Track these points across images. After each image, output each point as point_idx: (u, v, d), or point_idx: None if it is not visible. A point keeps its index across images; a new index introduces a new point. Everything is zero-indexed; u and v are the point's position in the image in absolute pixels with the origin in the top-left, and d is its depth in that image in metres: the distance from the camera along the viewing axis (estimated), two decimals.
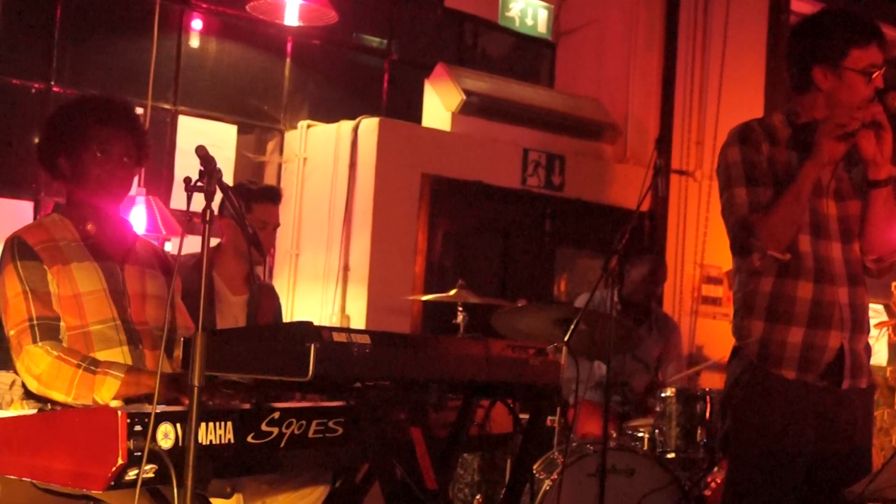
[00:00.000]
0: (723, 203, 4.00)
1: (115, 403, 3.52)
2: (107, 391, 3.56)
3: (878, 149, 3.85)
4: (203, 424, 2.88)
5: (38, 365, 3.60)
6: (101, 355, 3.71)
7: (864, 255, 4.04)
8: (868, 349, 4.06)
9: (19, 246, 3.73)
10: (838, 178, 4.02)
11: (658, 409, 6.27)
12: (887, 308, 10.10)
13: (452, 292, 6.46)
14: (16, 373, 3.70)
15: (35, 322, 3.65)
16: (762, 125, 4.02)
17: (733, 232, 3.94)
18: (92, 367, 3.59)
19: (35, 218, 7.22)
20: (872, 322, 9.48)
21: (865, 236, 4.01)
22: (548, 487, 5.65)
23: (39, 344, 3.63)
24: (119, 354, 3.77)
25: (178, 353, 3.83)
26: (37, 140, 4.03)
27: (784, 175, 3.90)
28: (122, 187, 3.97)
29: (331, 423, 3.31)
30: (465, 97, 8.39)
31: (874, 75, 3.88)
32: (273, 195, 5.64)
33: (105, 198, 3.92)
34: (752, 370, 3.97)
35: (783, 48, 4.14)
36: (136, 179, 4.29)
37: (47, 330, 3.66)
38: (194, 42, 8.27)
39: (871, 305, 4.09)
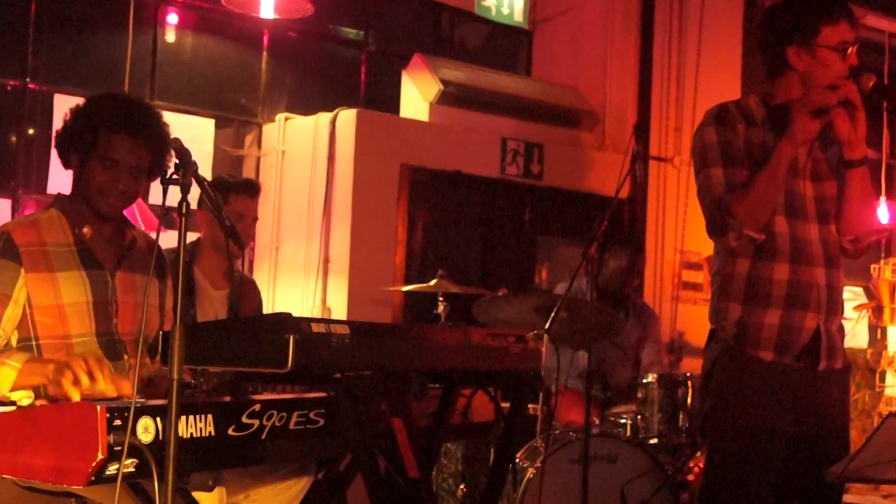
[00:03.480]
0: (699, 183, 4.01)
1: (18, 395, 3.48)
2: (4, 380, 3.52)
3: (853, 128, 3.88)
4: (183, 417, 2.87)
5: None
6: None
7: (841, 236, 4.06)
8: (841, 330, 4.08)
9: (5, 242, 3.69)
10: (814, 159, 4.04)
11: (640, 395, 6.28)
12: (866, 290, 10.15)
13: (433, 282, 6.46)
14: None
15: None
16: (738, 106, 4.04)
17: (710, 211, 3.95)
18: None
19: (13, 217, 7.20)
20: (852, 304, 9.54)
21: (842, 217, 4.03)
22: (531, 475, 5.67)
23: None
24: None
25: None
26: (60, 125, 3.92)
27: (760, 155, 3.92)
28: (124, 200, 3.86)
29: (312, 415, 3.30)
30: (442, 87, 8.39)
31: (848, 51, 3.90)
32: (250, 188, 5.63)
33: (104, 206, 3.82)
34: (730, 352, 3.99)
35: (756, 33, 4.16)
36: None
37: None
38: (170, 36, 8.25)
39: (850, 287, 4.11)
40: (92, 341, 3.75)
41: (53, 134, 3.91)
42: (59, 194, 3.94)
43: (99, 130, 3.76)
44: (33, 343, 3.69)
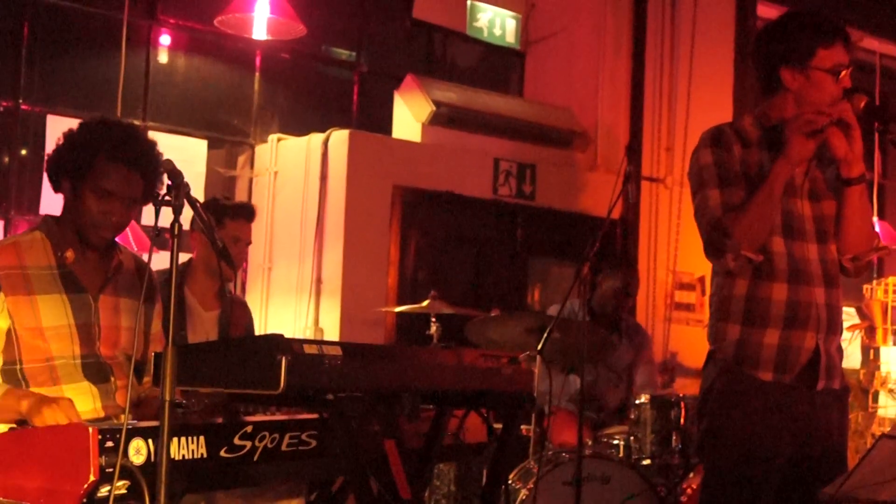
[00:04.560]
0: (695, 205, 4.01)
1: None
2: None
3: (849, 146, 3.88)
4: (175, 439, 2.87)
5: None
6: (66, 388, 3.66)
7: (840, 254, 4.06)
8: (840, 350, 4.07)
9: None
10: (812, 178, 4.05)
11: (632, 415, 6.27)
12: (859, 311, 10.16)
13: (425, 303, 6.46)
14: None
15: None
16: (733, 128, 4.05)
17: (707, 233, 3.95)
18: None
19: (6, 236, 7.19)
20: (845, 325, 9.54)
21: (841, 235, 4.03)
22: (524, 497, 5.66)
23: None
24: (86, 389, 3.71)
25: (148, 378, 3.79)
26: (52, 149, 3.87)
27: (756, 176, 3.92)
28: (116, 231, 3.81)
29: (304, 436, 3.30)
30: (434, 108, 8.40)
31: (841, 74, 3.92)
32: (247, 213, 5.61)
33: (96, 238, 3.78)
34: (728, 373, 3.98)
35: (751, 52, 4.18)
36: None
37: None
38: (163, 58, 8.26)
39: (843, 308, 4.11)
40: (74, 364, 3.72)
41: (46, 156, 3.88)
42: (46, 216, 3.90)
43: (94, 159, 3.72)
44: (17, 367, 3.66)
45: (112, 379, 3.79)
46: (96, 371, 3.76)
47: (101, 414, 3.71)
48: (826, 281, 3.99)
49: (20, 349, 3.66)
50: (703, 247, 4.01)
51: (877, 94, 11.09)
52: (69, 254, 3.79)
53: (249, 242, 5.66)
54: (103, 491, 2.72)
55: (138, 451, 2.79)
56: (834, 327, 4.02)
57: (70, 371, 3.70)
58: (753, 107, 4.19)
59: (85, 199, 3.74)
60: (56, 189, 3.85)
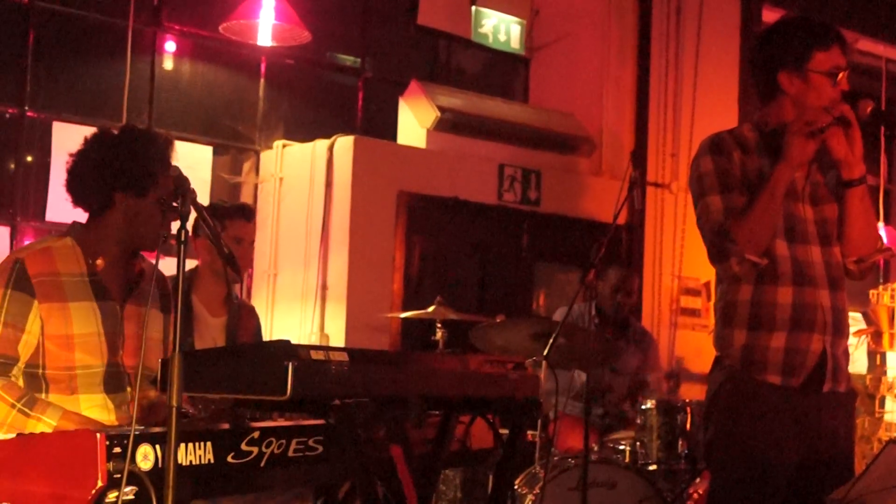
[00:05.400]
0: (698, 212, 4.02)
1: None
2: None
3: (849, 148, 3.89)
4: (182, 445, 2.87)
5: None
6: (83, 398, 3.67)
7: (844, 257, 4.06)
8: (846, 354, 4.07)
9: (18, 272, 3.64)
10: (813, 182, 4.05)
11: (639, 421, 6.27)
12: (865, 316, 10.15)
13: (431, 309, 6.46)
14: None
15: None
16: (732, 135, 4.06)
17: (710, 239, 3.96)
18: (26, 409, 3.53)
19: (11, 244, 7.20)
20: (851, 330, 9.53)
21: (845, 238, 4.03)
22: (530, 502, 5.65)
23: None
24: (102, 401, 3.72)
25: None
26: (91, 161, 3.81)
27: (757, 181, 3.93)
28: (156, 244, 3.80)
29: (311, 442, 3.30)
30: (439, 114, 8.40)
31: (839, 77, 3.93)
32: (245, 211, 5.63)
33: (152, 247, 3.78)
34: (735, 378, 3.98)
35: (748, 59, 4.19)
36: None
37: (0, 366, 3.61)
38: (168, 64, 8.27)
39: (849, 313, 4.10)
40: (96, 373, 3.72)
41: (68, 161, 3.81)
42: (74, 222, 3.87)
43: (158, 175, 3.74)
44: (39, 371, 3.67)
45: (129, 389, 3.79)
46: (116, 381, 3.76)
47: (116, 424, 3.71)
48: (830, 283, 3.99)
49: (44, 355, 3.66)
50: (706, 253, 4.01)
51: (883, 99, 11.09)
52: (100, 261, 3.79)
53: (252, 241, 5.67)
54: (111, 497, 2.72)
55: (146, 457, 2.79)
56: (840, 330, 4.02)
57: (89, 381, 3.70)
58: (754, 112, 4.20)
59: (150, 212, 3.74)
60: (92, 201, 3.81)
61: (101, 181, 3.77)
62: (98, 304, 3.76)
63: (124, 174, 3.74)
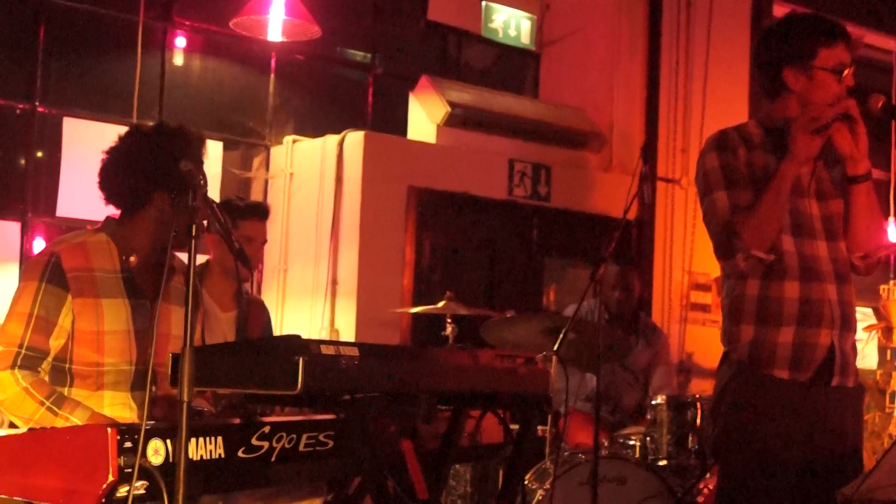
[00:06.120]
0: (704, 209, 4.03)
1: None
2: None
3: (854, 144, 3.89)
4: (193, 440, 2.88)
5: (5, 391, 3.56)
6: (108, 395, 3.69)
7: (850, 253, 4.06)
8: (855, 349, 4.07)
9: (53, 266, 3.65)
10: (819, 178, 4.05)
11: (649, 416, 6.27)
12: (876, 311, 10.13)
13: (441, 304, 6.46)
14: None
15: (23, 350, 3.60)
16: (738, 131, 4.07)
17: (716, 235, 3.96)
18: (54, 408, 3.54)
19: (22, 240, 7.21)
20: (862, 325, 9.52)
21: (850, 233, 4.04)
22: (540, 497, 5.66)
23: (15, 371, 3.57)
24: (125, 399, 3.73)
25: None
26: (131, 159, 3.79)
27: (762, 178, 3.94)
28: (186, 242, 3.85)
29: (321, 437, 3.31)
30: (450, 109, 8.40)
31: (844, 73, 3.93)
32: (260, 211, 5.63)
33: (161, 245, 3.75)
34: (743, 374, 3.98)
35: (754, 56, 4.19)
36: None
37: (30, 360, 3.60)
38: (178, 60, 8.27)
39: (860, 308, 4.10)
40: (124, 371, 3.73)
41: (103, 158, 3.82)
42: (108, 217, 3.87)
43: (195, 169, 3.71)
44: (66, 366, 3.68)
45: (153, 388, 3.78)
46: (145, 379, 3.75)
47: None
48: (837, 278, 4.00)
49: (73, 350, 3.67)
50: (713, 249, 4.02)
51: (893, 94, 11.06)
52: (133, 258, 3.80)
53: (265, 241, 5.67)
54: (122, 491, 2.73)
55: (157, 452, 2.80)
56: (848, 324, 4.02)
57: (115, 379, 3.71)
58: (760, 109, 4.20)
59: (180, 213, 3.70)
60: (127, 200, 3.82)
61: (143, 180, 3.78)
62: (130, 302, 3.77)
63: (168, 175, 3.70)
